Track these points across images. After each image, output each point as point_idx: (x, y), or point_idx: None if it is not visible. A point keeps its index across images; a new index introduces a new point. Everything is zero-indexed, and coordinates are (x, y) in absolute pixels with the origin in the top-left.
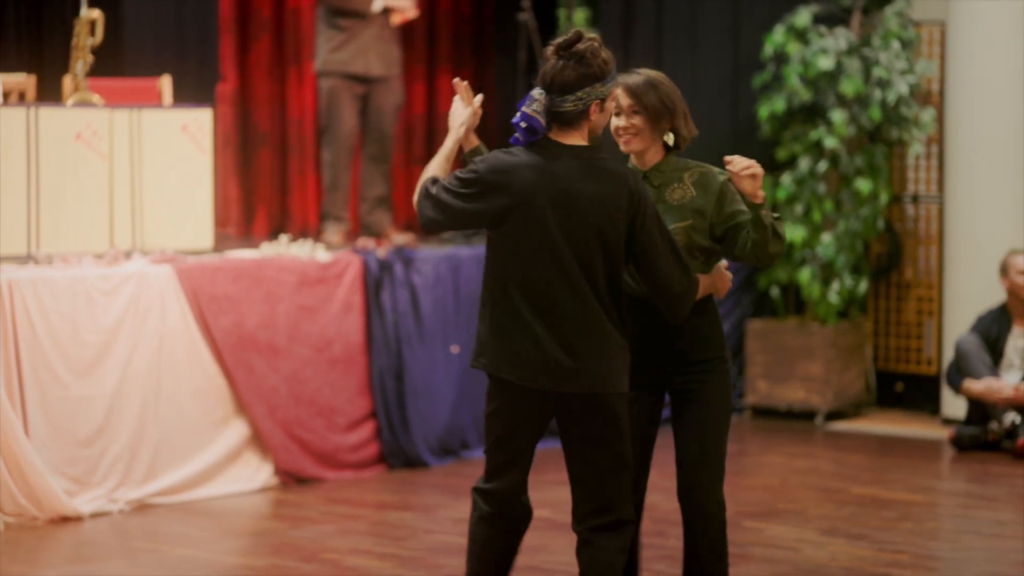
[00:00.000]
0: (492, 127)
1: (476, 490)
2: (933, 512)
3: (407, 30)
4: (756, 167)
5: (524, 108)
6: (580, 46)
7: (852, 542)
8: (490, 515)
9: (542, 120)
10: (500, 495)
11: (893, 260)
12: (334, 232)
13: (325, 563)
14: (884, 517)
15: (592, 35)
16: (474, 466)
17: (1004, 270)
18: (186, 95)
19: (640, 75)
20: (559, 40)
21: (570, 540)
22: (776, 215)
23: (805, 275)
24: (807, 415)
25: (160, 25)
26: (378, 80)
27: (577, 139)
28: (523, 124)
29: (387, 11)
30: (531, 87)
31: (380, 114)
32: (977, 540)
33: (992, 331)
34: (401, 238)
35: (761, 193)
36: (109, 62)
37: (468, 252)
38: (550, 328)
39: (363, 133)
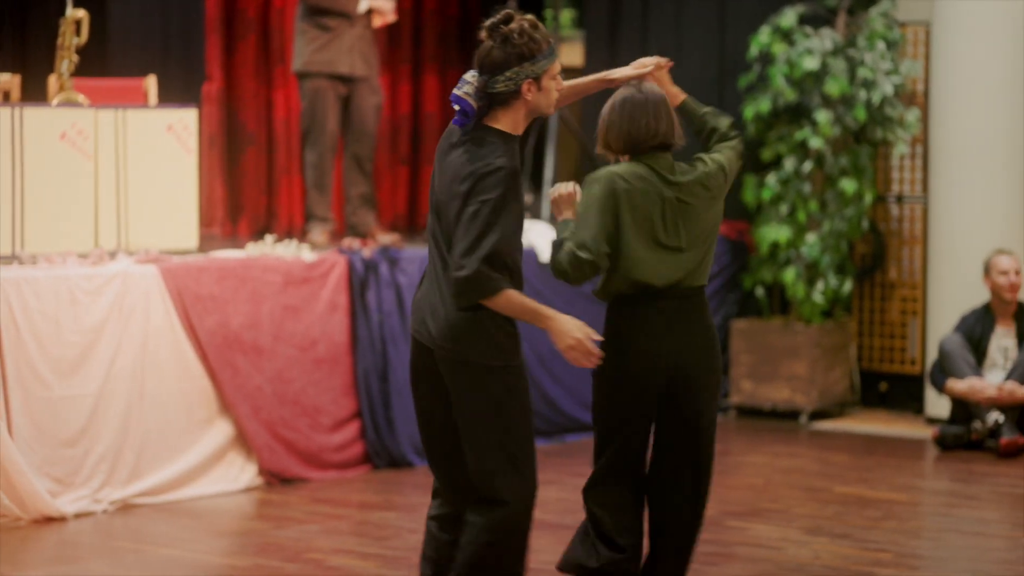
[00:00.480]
0: None
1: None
2: (916, 511)
3: (392, 30)
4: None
5: (456, 91)
6: (506, 27)
7: (835, 541)
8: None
9: (472, 102)
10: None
11: (877, 260)
12: (319, 232)
13: (309, 563)
14: (867, 516)
15: (526, 16)
16: None
17: (987, 270)
18: (171, 95)
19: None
20: (488, 21)
21: (556, 538)
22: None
23: (790, 275)
24: (791, 415)
25: (145, 25)
26: (361, 80)
27: (508, 122)
28: (455, 107)
29: (370, 12)
30: None
31: (363, 113)
32: (960, 539)
33: (975, 331)
34: (386, 238)
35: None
36: (94, 62)
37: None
38: (429, 286)
39: (345, 133)
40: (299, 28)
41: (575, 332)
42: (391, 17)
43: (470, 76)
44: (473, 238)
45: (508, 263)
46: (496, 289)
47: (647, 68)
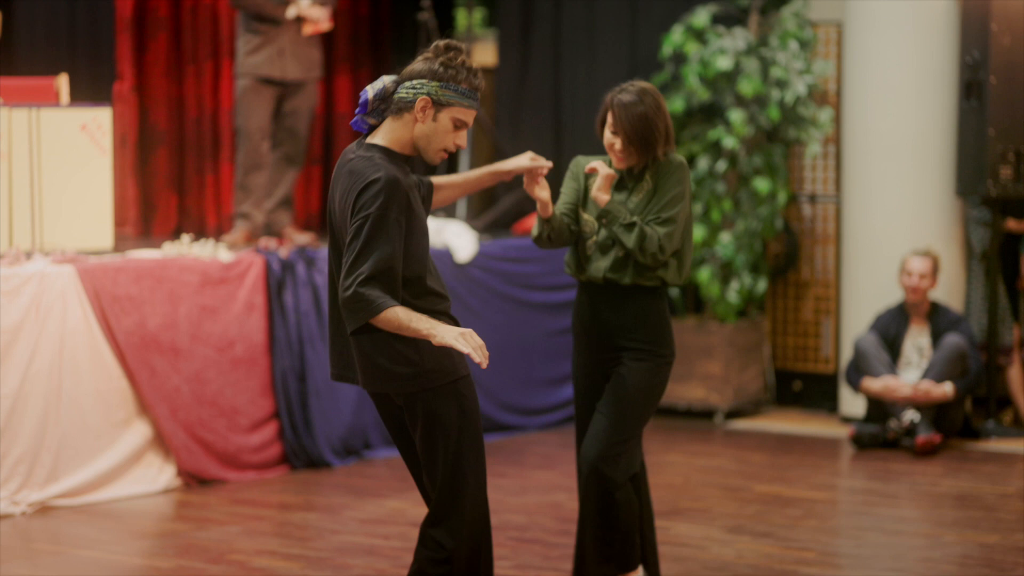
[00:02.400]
0: None
1: None
2: (836, 509)
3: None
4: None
5: (368, 86)
6: (443, 50)
7: (758, 540)
8: None
9: (369, 94)
10: None
11: (791, 259)
12: (240, 231)
13: (232, 564)
14: (788, 515)
15: (470, 59)
16: (377, 466)
17: (900, 270)
18: (81, 94)
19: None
20: (439, 41)
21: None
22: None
23: (704, 274)
24: (706, 414)
25: (52, 23)
26: (293, 83)
27: (395, 138)
28: (359, 100)
29: (300, 20)
30: None
31: (295, 116)
32: (881, 537)
33: (890, 330)
34: (302, 238)
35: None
36: (1, 60)
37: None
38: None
39: (277, 134)
40: (238, 31)
41: (457, 332)
42: (325, 25)
43: (387, 78)
44: (353, 257)
45: (396, 278)
46: (377, 309)
47: (542, 165)
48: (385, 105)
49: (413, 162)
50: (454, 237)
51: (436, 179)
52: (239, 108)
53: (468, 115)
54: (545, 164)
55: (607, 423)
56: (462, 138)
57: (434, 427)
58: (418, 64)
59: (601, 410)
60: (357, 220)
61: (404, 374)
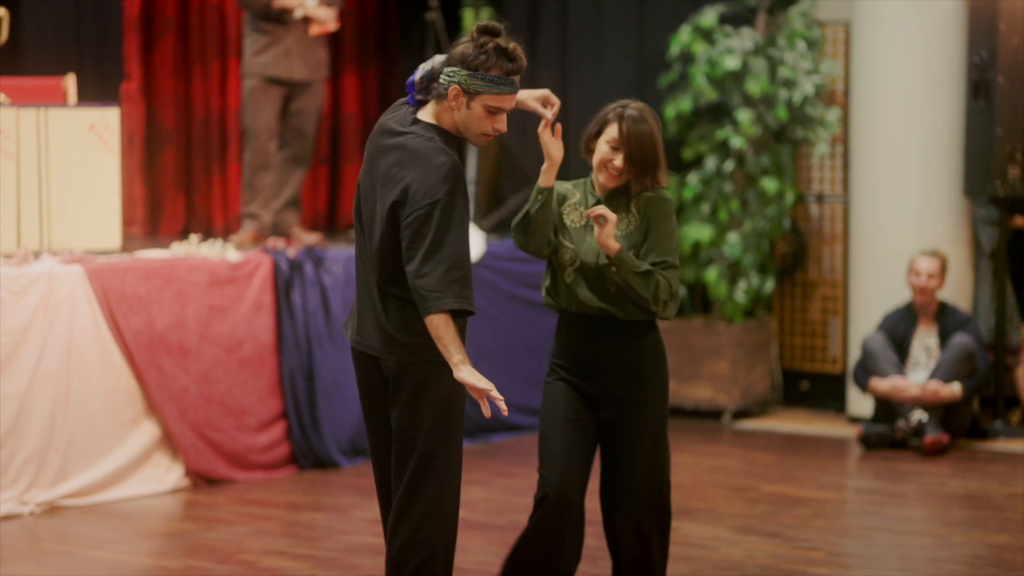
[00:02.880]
0: None
1: None
2: (844, 509)
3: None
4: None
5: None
6: (482, 33)
7: (766, 540)
8: None
9: (417, 75)
10: None
11: (798, 259)
12: (248, 230)
13: (241, 564)
14: (796, 515)
15: (511, 42)
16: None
17: (908, 270)
18: (88, 94)
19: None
20: (482, 23)
21: (487, 539)
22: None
23: (712, 274)
24: (714, 414)
25: (59, 23)
26: (300, 83)
27: (435, 115)
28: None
29: (307, 20)
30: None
31: (302, 116)
32: (889, 537)
33: (898, 330)
34: (310, 238)
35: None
36: (7, 60)
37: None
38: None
39: (284, 134)
40: (245, 30)
41: (481, 383)
42: (331, 25)
43: (439, 57)
44: (428, 245)
45: (468, 265)
46: (435, 308)
47: (549, 111)
48: (430, 84)
49: (462, 143)
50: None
51: None
52: (246, 108)
53: (501, 100)
54: (555, 104)
55: (643, 482)
56: (501, 122)
57: (420, 400)
58: (457, 48)
59: (627, 471)
60: (424, 207)
61: (405, 343)
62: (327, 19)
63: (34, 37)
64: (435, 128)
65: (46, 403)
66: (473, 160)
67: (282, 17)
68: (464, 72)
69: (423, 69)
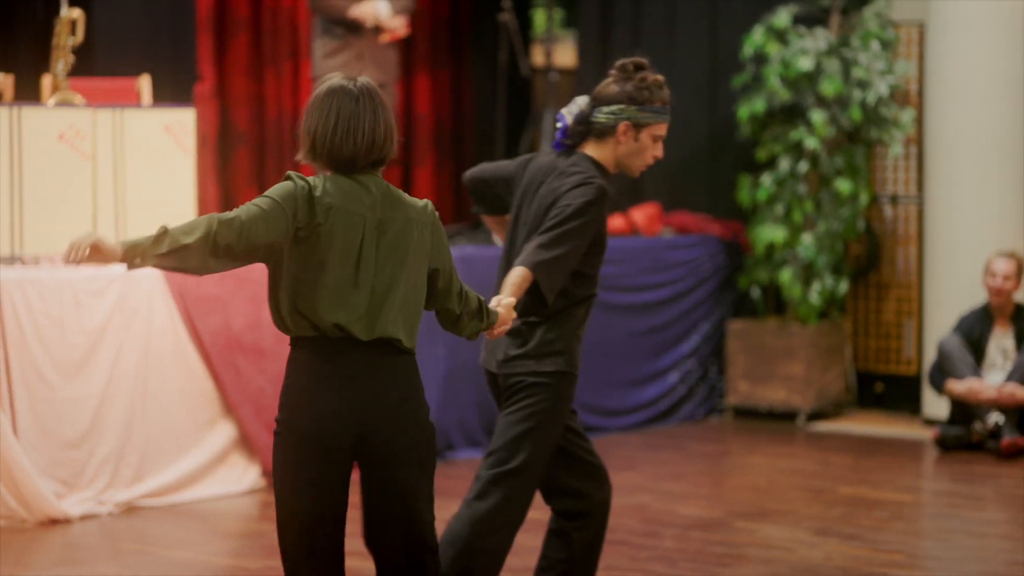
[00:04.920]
0: (469, 128)
1: None
2: (922, 512)
3: None
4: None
5: (563, 109)
6: (632, 70)
7: (845, 542)
8: None
9: (568, 120)
10: None
11: (872, 260)
12: None
13: None
14: (875, 517)
15: (657, 74)
16: (459, 467)
17: (984, 271)
18: (162, 95)
19: None
20: (621, 61)
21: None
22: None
23: (786, 276)
24: (788, 416)
25: (132, 25)
26: None
27: (593, 153)
28: (557, 124)
29: (378, 28)
30: (510, 87)
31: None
32: (969, 539)
33: (975, 331)
34: None
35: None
36: (80, 62)
37: (455, 253)
38: None
39: None
40: (314, 33)
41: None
42: (401, 32)
43: (582, 100)
44: (544, 238)
45: (561, 273)
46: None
47: None
48: (584, 128)
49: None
50: None
51: None
52: None
53: (664, 129)
54: None
55: None
56: (660, 149)
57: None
58: (612, 87)
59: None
60: (560, 208)
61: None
62: (398, 27)
63: (108, 38)
64: (593, 161)
65: (123, 404)
66: None
67: (354, 24)
68: (632, 108)
69: (572, 114)
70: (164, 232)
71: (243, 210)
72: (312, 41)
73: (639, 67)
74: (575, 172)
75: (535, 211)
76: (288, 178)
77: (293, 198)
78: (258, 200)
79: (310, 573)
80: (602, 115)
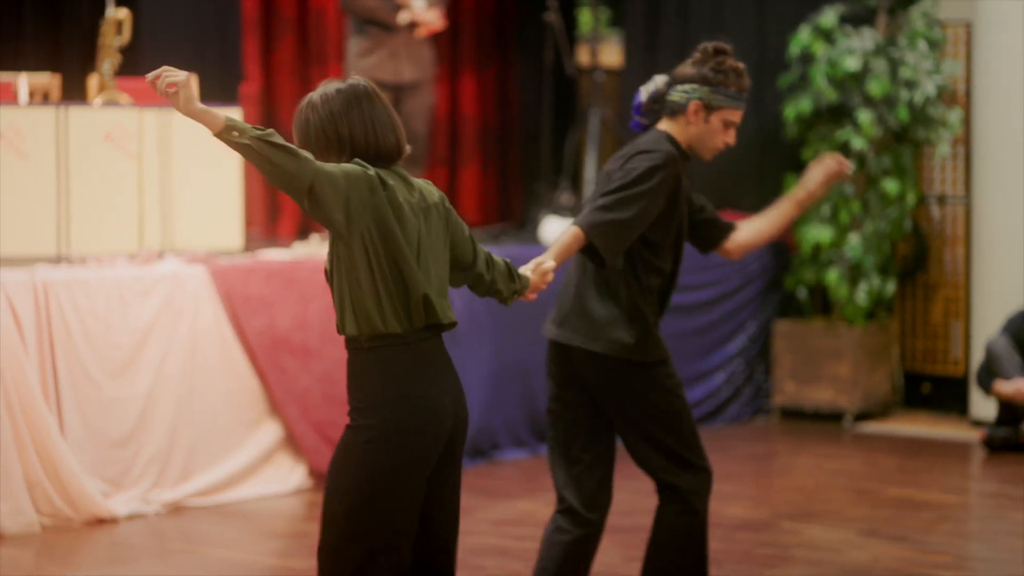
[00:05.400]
0: (515, 128)
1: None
2: (970, 513)
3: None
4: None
5: (641, 86)
6: (712, 53)
7: (893, 543)
8: None
9: (643, 96)
10: None
11: (920, 261)
12: None
13: None
14: (922, 519)
15: (738, 62)
16: (506, 467)
17: None
18: (208, 94)
19: None
20: (707, 43)
21: (612, 541)
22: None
23: (833, 276)
24: (835, 416)
25: (178, 25)
26: (409, 85)
27: (670, 130)
28: (634, 100)
29: (413, 24)
30: (556, 87)
31: (412, 118)
32: (1017, 541)
33: (1023, 332)
34: None
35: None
36: (126, 61)
37: (497, 252)
38: None
39: (417, 138)
40: (349, 33)
41: None
42: (438, 25)
43: (660, 78)
44: (602, 201)
45: (620, 238)
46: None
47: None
48: (659, 106)
49: (689, 162)
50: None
51: (741, 231)
52: None
53: (737, 115)
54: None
55: None
56: (731, 136)
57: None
58: (688, 68)
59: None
60: (624, 171)
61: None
62: (433, 20)
63: (155, 38)
64: (667, 135)
65: (169, 403)
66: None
67: (388, 23)
68: (705, 88)
69: (648, 91)
70: (271, 130)
71: (332, 167)
72: (346, 40)
73: (719, 51)
74: (645, 140)
75: (602, 181)
76: (362, 165)
77: (366, 182)
78: (339, 172)
79: None
80: (676, 93)
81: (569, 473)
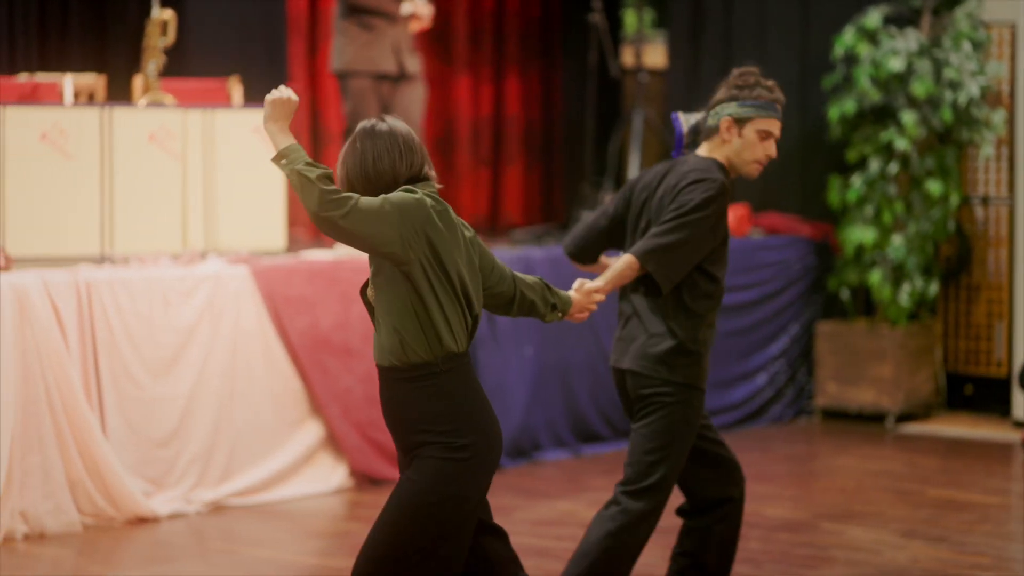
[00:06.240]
0: (559, 129)
1: None
2: (1010, 515)
3: (474, 31)
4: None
5: (681, 113)
6: (741, 75)
7: (932, 544)
8: None
9: (684, 127)
10: None
11: (963, 262)
12: None
13: None
14: (962, 519)
15: (759, 77)
16: (547, 468)
17: None
18: (253, 95)
19: None
20: (738, 69)
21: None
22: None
23: (875, 277)
24: (877, 417)
25: (224, 25)
26: (403, 77)
27: (711, 153)
28: (674, 126)
29: (410, 17)
30: (600, 88)
31: (408, 108)
32: None
33: None
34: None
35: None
36: (172, 62)
37: (540, 253)
38: None
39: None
40: (339, 27)
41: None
42: (428, 23)
43: (698, 113)
44: (660, 231)
45: (679, 267)
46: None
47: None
48: (699, 136)
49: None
50: None
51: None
52: (351, 108)
53: (771, 125)
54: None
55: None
56: (771, 148)
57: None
58: (719, 93)
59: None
60: (679, 202)
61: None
62: (426, 16)
63: (200, 39)
64: (714, 160)
65: (211, 403)
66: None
67: (391, 13)
68: (733, 104)
69: (688, 122)
70: (321, 167)
71: (378, 203)
72: (335, 36)
73: (744, 73)
74: (694, 168)
75: (655, 211)
76: (410, 191)
77: (417, 208)
78: (388, 206)
79: None
80: (711, 118)
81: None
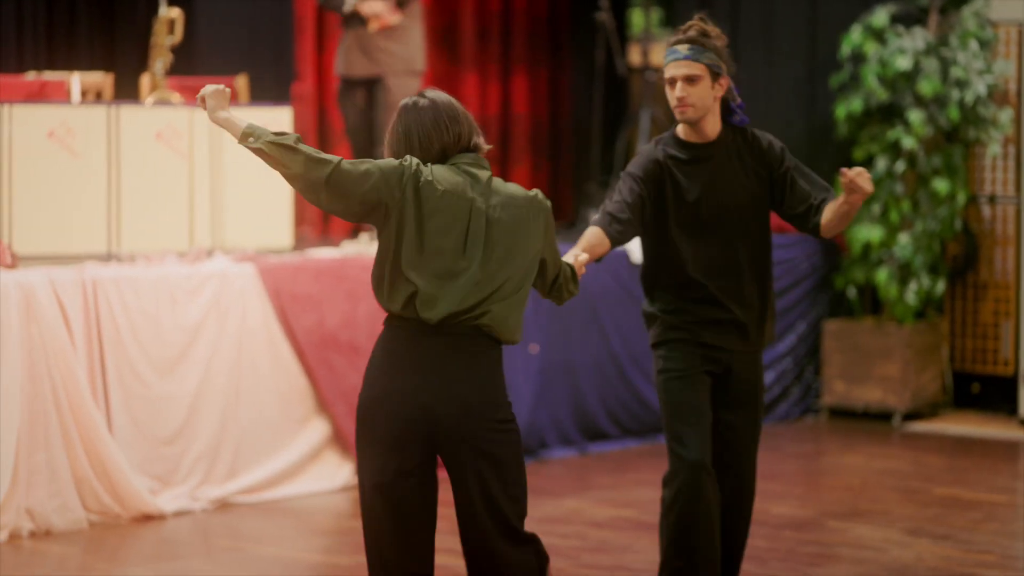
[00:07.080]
0: (566, 128)
1: None
2: (1016, 513)
3: (482, 30)
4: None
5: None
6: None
7: (938, 542)
8: None
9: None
10: None
11: (970, 261)
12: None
13: None
14: (968, 518)
15: (694, 21)
16: (553, 466)
17: None
18: (260, 94)
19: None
20: None
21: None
22: None
23: (882, 275)
24: (884, 416)
25: (232, 24)
26: (371, 80)
27: None
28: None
29: (363, 19)
30: (608, 87)
31: (385, 111)
32: None
33: None
34: None
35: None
36: (180, 61)
37: None
38: None
39: (373, 131)
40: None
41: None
42: (389, 19)
43: None
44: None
45: None
46: None
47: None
48: None
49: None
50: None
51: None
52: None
53: (671, 69)
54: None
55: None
56: (679, 91)
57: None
58: None
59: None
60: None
61: None
62: (383, 13)
63: (207, 37)
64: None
65: (217, 400)
66: None
67: (354, 15)
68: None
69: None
70: (290, 134)
71: (360, 162)
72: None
73: (683, 27)
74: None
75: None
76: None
77: (400, 173)
78: (370, 166)
79: None
80: None
81: None
